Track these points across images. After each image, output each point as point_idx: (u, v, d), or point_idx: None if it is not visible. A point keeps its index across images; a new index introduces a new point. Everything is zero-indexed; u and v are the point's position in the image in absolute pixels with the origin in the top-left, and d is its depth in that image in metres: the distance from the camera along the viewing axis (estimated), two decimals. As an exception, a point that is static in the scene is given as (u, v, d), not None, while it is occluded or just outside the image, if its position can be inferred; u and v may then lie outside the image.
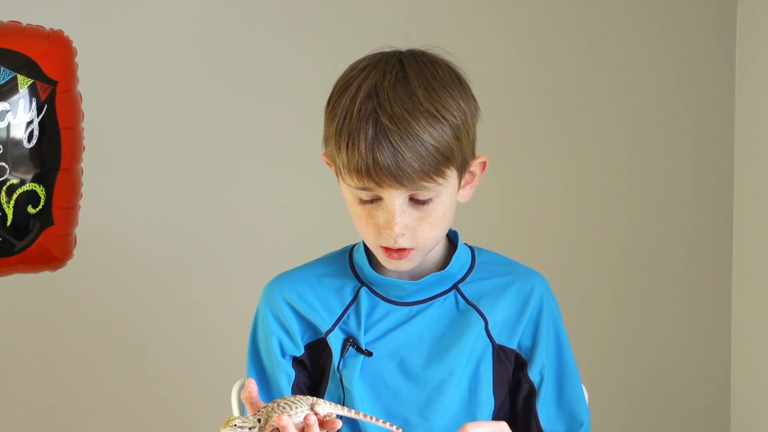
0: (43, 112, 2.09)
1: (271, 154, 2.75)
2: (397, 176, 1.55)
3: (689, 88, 2.83)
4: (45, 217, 2.11)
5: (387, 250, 1.61)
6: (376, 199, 1.59)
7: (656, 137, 2.83)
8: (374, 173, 1.55)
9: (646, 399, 2.88)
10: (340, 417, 1.56)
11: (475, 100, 1.63)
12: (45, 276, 2.24)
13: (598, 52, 2.80)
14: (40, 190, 2.10)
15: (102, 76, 2.65)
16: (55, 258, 2.12)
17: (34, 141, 2.09)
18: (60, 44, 2.09)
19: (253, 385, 1.51)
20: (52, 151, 2.10)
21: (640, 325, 2.87)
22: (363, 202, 1.60)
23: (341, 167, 1.59)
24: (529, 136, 2.79)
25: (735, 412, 2.86)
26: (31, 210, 2.11)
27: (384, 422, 1.53)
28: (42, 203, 2.11)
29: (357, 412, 1.54)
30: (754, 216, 2.75)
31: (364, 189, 1.58)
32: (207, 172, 2.76)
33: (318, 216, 2.68)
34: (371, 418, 1.54)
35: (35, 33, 2.09)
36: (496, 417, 1.67)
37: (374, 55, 1.64)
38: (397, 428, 1.53)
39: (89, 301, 2.76)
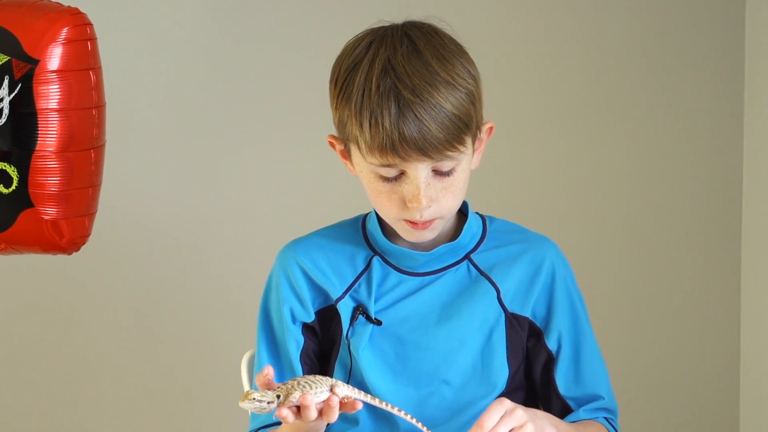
0: (16, 91, 2.06)
1: (281, 132, 2.76)
2: (423, 149, 1.57)
3: (699, 68, 2.85)
4: (21, 199, 2.07)
5: (412, 223, 1.63)
6: (399, 175, 1.61)
7: (665, 119, 2.84)
8: (400, 148, 1.57)
9: (653, 381, 2.90)
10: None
11: (476, 66, 1.67)
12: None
13: (608, 32, 2.82)
14: (12, 170, 2.06)
15: (122, 58, 2.65)
16: (49, 241, 2.07)
17: (2, 120, 2.04)
18: (58, 23, 2.03)
19: (270, 372, 1.53)
20: (26, 132, 2.06)
21: (645, 309, 2.88)
22: (385, 179, 1.62)
23: (363, 146, 1.60)
24: (533, 113, 2.81)
25: (744, 397, 2.87)
26: (2, 189, 2.07)
27: (399, 411, 1.55)
28: (15, 184, 2.07)
29: (373, 398, 1.55)
30: (764, 197, 2.77)
31: (388, 166, 1.60)
32: (218, 148, 2.76)
33: (329, 190, 2.70)
34: (387, 405, 1.55)
35: (35, 8, 2.04)
36: (511, 384, 1.70)
37: (375, 30, 1.65)
38: (412, 417, 1.55)
39: (98, 279, 2.76)
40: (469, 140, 1.63)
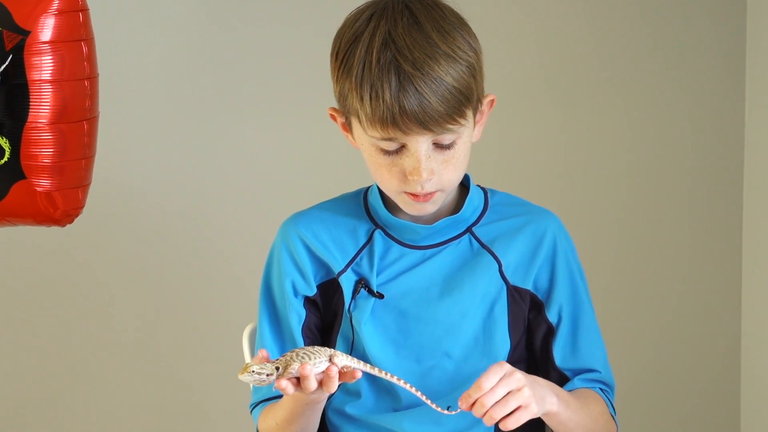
0: (6, 63, 2.05)
1: (282, 104, 2.74)
2: (424, 122, 1.57)
3: (702, 43, 2.82)
4: (13, 170, 2.06)
5: (413, 195, 1.64)
6: (400, 148, 1.62)
7: (667, 92, 2.81)
8: (401, 121, 1.57)
9: (651, 364, 2.88)
10: None
11: (477, 39, 1.66)
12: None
13: (610, 6, 2.81)
14: (4, 142, 2.06)
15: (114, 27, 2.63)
16: (43, 213, 2.07)
17: (-8, 90, 2.05)
18: (51, -7, 2.04)
19: (265, 354, 1.53)
20: (18, 103, 2.05)
21: (645, 280, 2.86)
22: (386, 152, 1.62)
23: (364, 119, 1.60)
24: (535, 86, 2.79)
25: (745, 384, 2.85)
26: (-6, 161, 2.07)
27: (399, 379, 1.56)
28: (7, 155, 2.07)
29: (372, 367, 1.55)
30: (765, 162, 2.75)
31: (389, 139, 1.60)
32: (217, 119, 2.74)
33: (331, 163, 2.69)
34: (387, 374, 1.56)
35: (26, -22, 2.04)
36: (512, 356, 1.71)
37: (376, 3, 1.65)
38: (411, 386, 1.56)
39: (93, 252, 2.74)
40: (469, 113, 1.63)
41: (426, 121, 1.58)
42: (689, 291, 2.88)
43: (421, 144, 1.60)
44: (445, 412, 1.55)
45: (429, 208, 1.67)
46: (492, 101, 1.69)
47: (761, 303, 2.78)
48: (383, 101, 1.57)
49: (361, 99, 1.59)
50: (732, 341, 2.87)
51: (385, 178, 1.65)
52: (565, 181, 2.82)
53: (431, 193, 1.64)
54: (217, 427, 2.79)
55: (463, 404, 1.52)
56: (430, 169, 1.61)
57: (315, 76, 2.25)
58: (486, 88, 1.69)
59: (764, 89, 2.75)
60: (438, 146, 1.62)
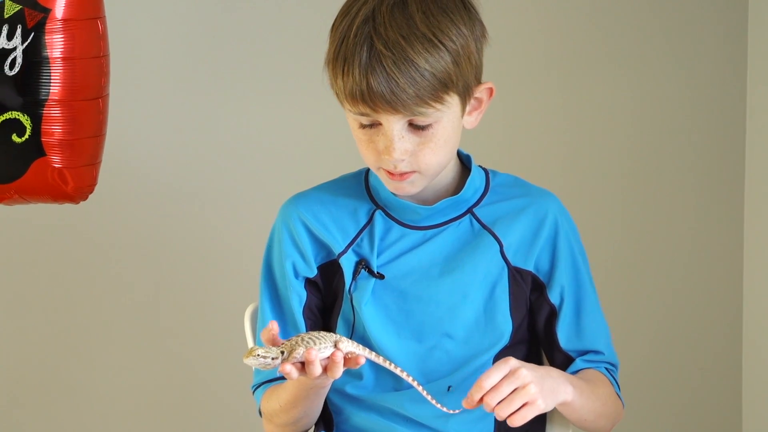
0: (28, 40, 2.06)
1: (286, 83, 2.74)
2: (391, 102, 1.56)
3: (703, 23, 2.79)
4: (33, 148, 2.08)
5: (389, 172, 1.63)
6: (376, 124, 1.60)
7: (668, 68, 2.78)
8: (369, 99, 1.56)
9: (652, 355, 2.86)
10: None
11: (482, 24, 1.64)
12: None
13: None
14: (25, 120, 2.07)
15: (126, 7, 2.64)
16: (58, 190, 2.10)
17: (16, 69, 2.04)
18: (65, -29, 2.05)
19: (275, 327, 1.53)
20: (38, 81, 2.07)
21: (647, 261, 2.83)
22: (363, 126, 1.61)
23: (339, 92, 1.60)
24: (535, 67, 2.78)
25: (747, 353, 2.83)
26: (16, 139, 2.08)
27: (402, 371, 1.56)
28: (28, 133, 2.08)
29: (377, 356, 1.55)
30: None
31: (362, 114, 1.59)
32: (222, 99, 2.74)
33: (333, 142, 2.67)
34: (390, 364, 1.55)
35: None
36: (514, 337, 1.70)
37: None
38: (414, 380, 1.55)
39: (101, 232, 2.76)
40: (450, 99, 1.60)
41: (393, 102, 1.56)
42: (690, 282, 2.84)
43: (392, 123, 1.59)
44: (446, 410, 1.55)
45: (407, 188, 1.65)
46: (491, 90, 1.66)
47: (763, 292, 2.74)
48: (352, 76, 1.57)
49: (335, 72, 1.59)
50: (733, 331, 2.83)
51: (364, 153, 1.64)
52: (568, 169, 2.79)
53: (407, 174, 1.62)
54: (219, 406, 2.80)
55: (467, 406, 1.51)
56: (402, 150, 1.60)
57: (320, 54, 2.24)
58: (488, 74, 1.66)
59: (766, 82, 2.71)
60: (414, 127, 1.60)
